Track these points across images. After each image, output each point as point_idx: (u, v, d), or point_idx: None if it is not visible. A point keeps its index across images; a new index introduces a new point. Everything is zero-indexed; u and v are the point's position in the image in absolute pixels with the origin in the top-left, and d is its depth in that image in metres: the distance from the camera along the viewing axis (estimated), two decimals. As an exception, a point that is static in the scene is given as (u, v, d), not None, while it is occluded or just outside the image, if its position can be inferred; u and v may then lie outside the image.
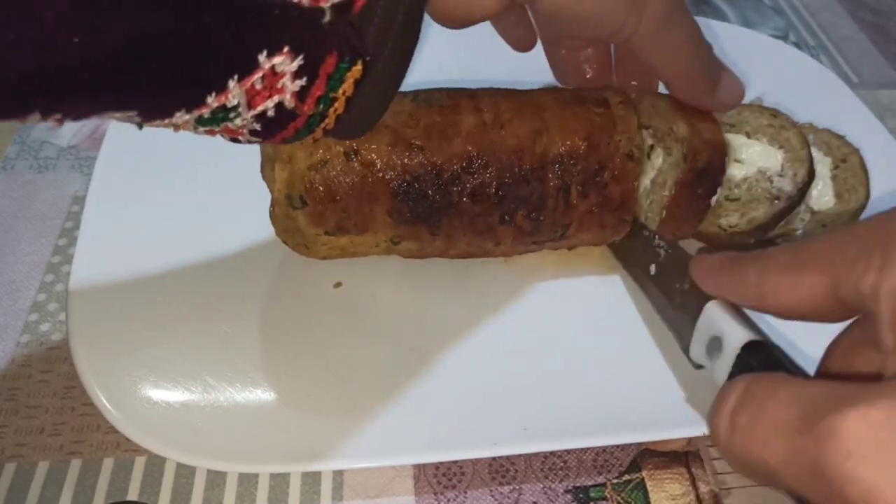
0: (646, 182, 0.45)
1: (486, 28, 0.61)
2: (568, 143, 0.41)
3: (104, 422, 0.38)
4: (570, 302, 0.46)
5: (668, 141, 0.44)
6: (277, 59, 0.26)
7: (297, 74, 0.27)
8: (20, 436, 0.41)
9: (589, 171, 0.42)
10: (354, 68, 0.29)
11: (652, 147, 0.45)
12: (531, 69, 0.50)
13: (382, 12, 0.29)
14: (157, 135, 0.29)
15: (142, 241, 0.46)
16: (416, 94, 0.42)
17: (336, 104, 0.30)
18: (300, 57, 0.27)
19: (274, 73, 0.26)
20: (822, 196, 0.49)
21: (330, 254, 0.44)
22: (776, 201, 0.45)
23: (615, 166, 0.42)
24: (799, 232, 0.48)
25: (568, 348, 0.43)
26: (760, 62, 0.60)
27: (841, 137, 0.50)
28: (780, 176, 0.46)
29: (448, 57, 0.55)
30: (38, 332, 0.46)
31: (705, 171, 0.43)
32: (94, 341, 0.41)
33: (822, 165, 0.49)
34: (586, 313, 0.45)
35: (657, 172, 0.44)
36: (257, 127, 0.28)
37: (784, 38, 0.70)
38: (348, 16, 0.28)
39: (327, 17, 0.27)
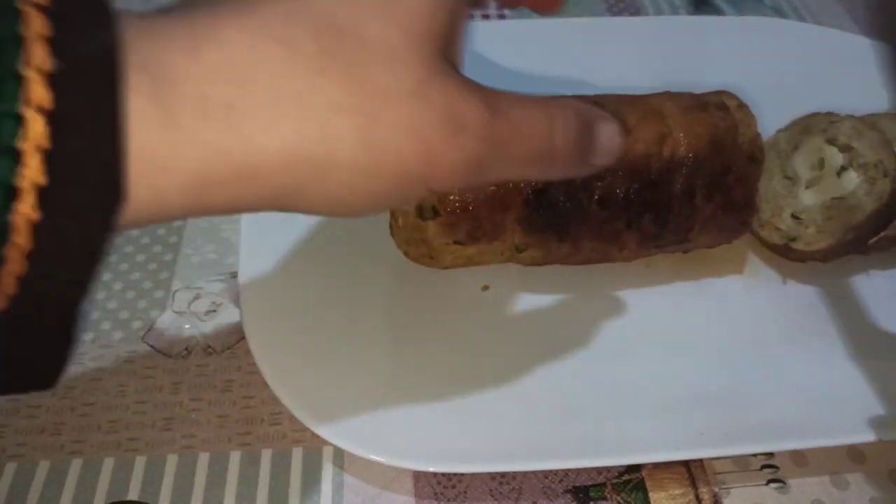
0: (824, 198, 0.45)
1: (596, 37, 0.61)
2: (694, 146, 0.42)
3: (104, 421, 0.38)
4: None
5: (872, 171, 0.44)
6: None
7: None
8: (20, 435, 0.41)
9: (714, 174, 0.42)
10: None
11: (844, 168, 0.45)
12: (642, 75, 0.51)
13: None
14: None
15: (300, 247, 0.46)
16: None
17: None
18: None
19: None
20: None
21: (454, 263, 0.44)
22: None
23: (739, 168, 0.42)
24: None
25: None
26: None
27: None
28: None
29: (556, 65, 0.56)
30: (38, 331, 0.46)
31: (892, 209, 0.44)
32: (270, 342, 0.41)
33: None
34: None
35: (848, 194, 0.44)
36: None
37: (784, 38, 0.70)
38: None
39: None
